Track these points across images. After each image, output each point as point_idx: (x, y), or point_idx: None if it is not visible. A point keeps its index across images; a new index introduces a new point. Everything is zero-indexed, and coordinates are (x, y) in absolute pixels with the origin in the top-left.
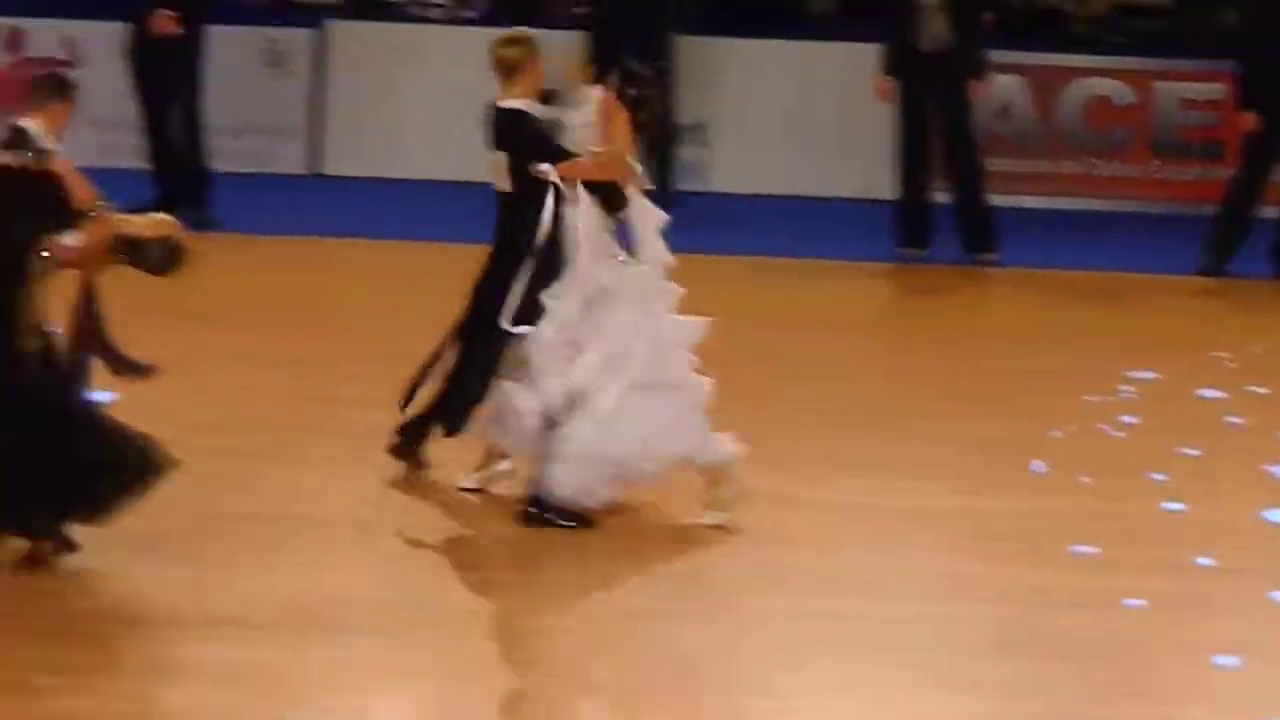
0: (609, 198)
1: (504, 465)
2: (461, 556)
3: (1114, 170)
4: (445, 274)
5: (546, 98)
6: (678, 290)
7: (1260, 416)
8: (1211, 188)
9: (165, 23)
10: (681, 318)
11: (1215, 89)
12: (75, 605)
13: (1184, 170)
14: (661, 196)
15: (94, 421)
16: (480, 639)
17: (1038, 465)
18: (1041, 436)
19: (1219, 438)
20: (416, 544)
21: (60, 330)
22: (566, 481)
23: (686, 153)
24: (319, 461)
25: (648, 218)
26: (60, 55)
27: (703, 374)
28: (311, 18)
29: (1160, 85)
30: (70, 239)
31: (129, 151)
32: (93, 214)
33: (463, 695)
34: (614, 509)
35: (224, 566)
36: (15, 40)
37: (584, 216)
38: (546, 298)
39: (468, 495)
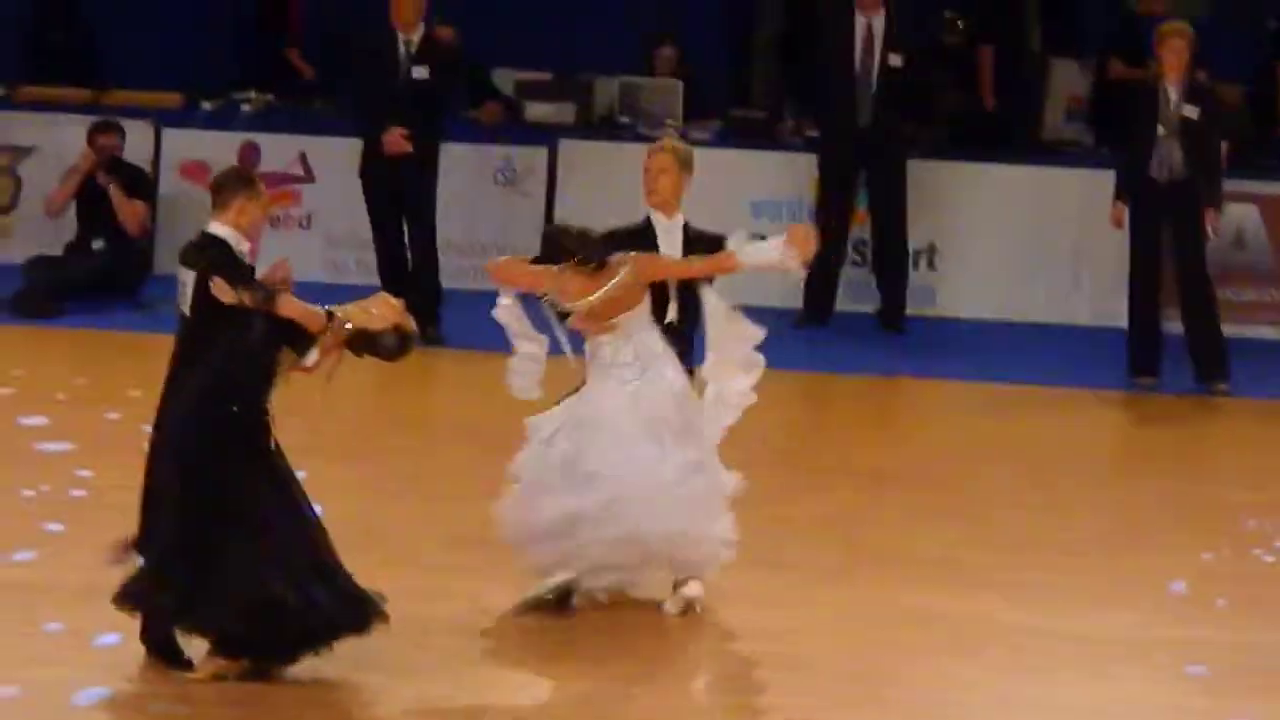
0: None
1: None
2: None
3: None
4: None
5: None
6: None
7: None
8: None
9: (399, 141)
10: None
11: None
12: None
13: None
14: (890, 321)
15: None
16: None
17: (1264, 597)
18: (1270, 570)
19: None
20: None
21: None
22: None
23: (915, 276)
24: None
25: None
26: (295, 170)
27: (932, 499)
28: (545, 136)
29: None
30: (309, 358)
31: (361, 268)
32: (325, 333)
33: None
34: None
35: None
36: (250, 154)
37: None
38: None
39: None
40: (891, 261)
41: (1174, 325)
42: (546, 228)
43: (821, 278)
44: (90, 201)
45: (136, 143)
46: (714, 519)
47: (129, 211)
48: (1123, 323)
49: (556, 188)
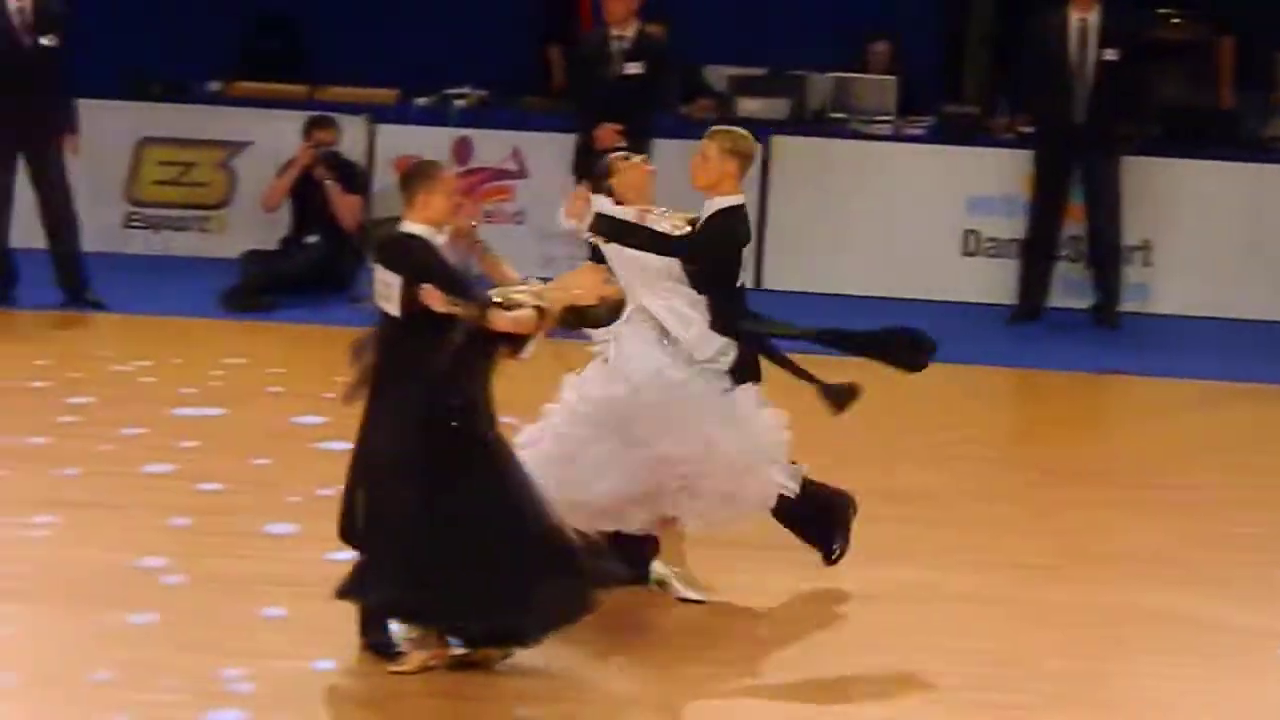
0: None
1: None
2: None
3: None
4: (880, 391)
5: None
6: None
7: None
8: None
9: (610, 135)
10: None
11: None
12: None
13: None
14: (1104, 317)
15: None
16: None
17: None
18: None
19: None
20: None
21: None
22: None
23: (1130, 273)
24: None
25: None
26: (508, 166)
27: (1144, 496)
28: (757, 132)
29: None
30: (525, 353)
31: (573, 263)
32: (538, 330)
33: None
34: None
35: None
36: (463, 150)
37: None
38: None
39: None
40: (1106, 257)
41: None
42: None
43: (1036, 274)
44: (305, 196)
45: (351, 138)
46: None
47: (344, 206)
48: None
49: (768, 184)
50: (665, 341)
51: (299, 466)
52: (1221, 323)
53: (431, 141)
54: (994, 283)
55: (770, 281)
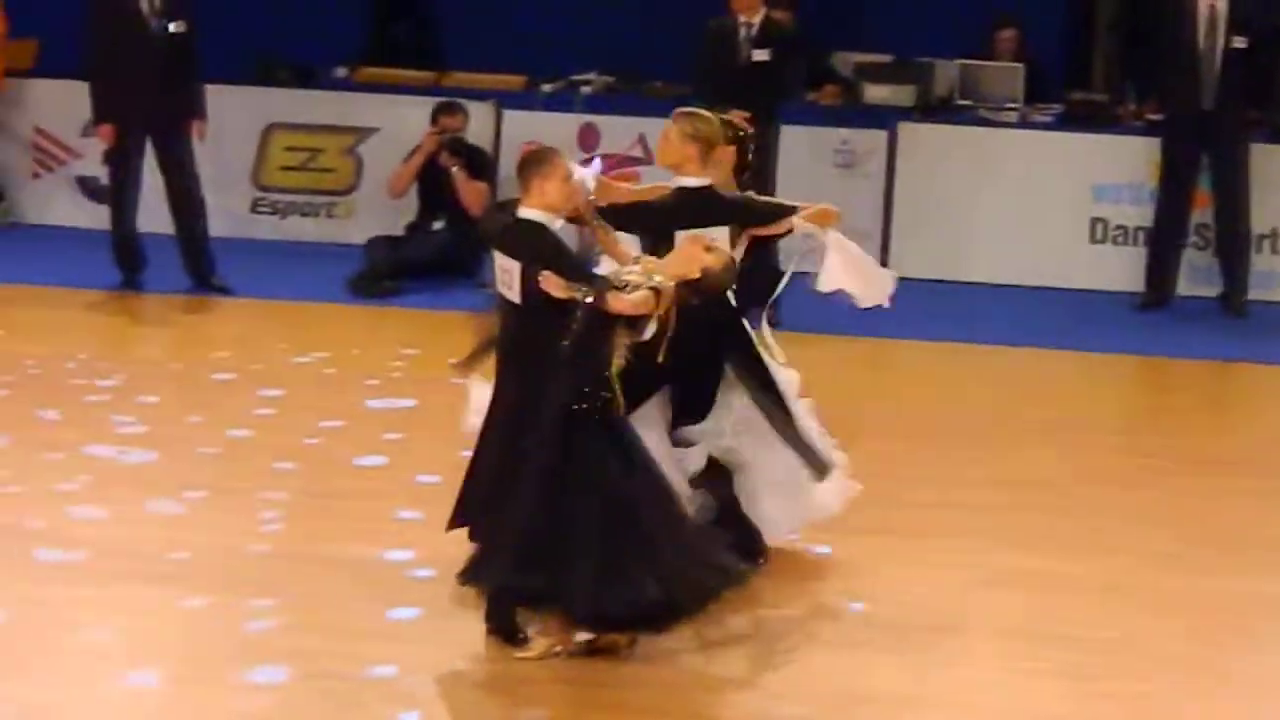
0: None
1: None
2: None
3: None
4: (1009, 378)
5: None
6: None
7: None
8: None
9: (739, 123)
10: None
11: None
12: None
13: None
14: (1231, 305)
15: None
16: None
17: None
18: None
19: None
20: None
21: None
22: None
23: (1258, 261)
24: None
25: None
26: (634, 152)
27: (1270, 485)
28: (884, 119)
29: None
30: (646, 332)
31: None
32: (657, 309)
33: None
34: None
35: None
36: (589, 136)
37: None
38: None
39: None
40: (1233, 246)
41: None
42: None
43: (1163, 261)
44: (432, 182)
45: (478, 124)
46: None
47: (470, 192)
48: None
49: (895, 171)
50: None
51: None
52: None
53: (557, 127)
54: (1121, 270)
55: (896, 268)
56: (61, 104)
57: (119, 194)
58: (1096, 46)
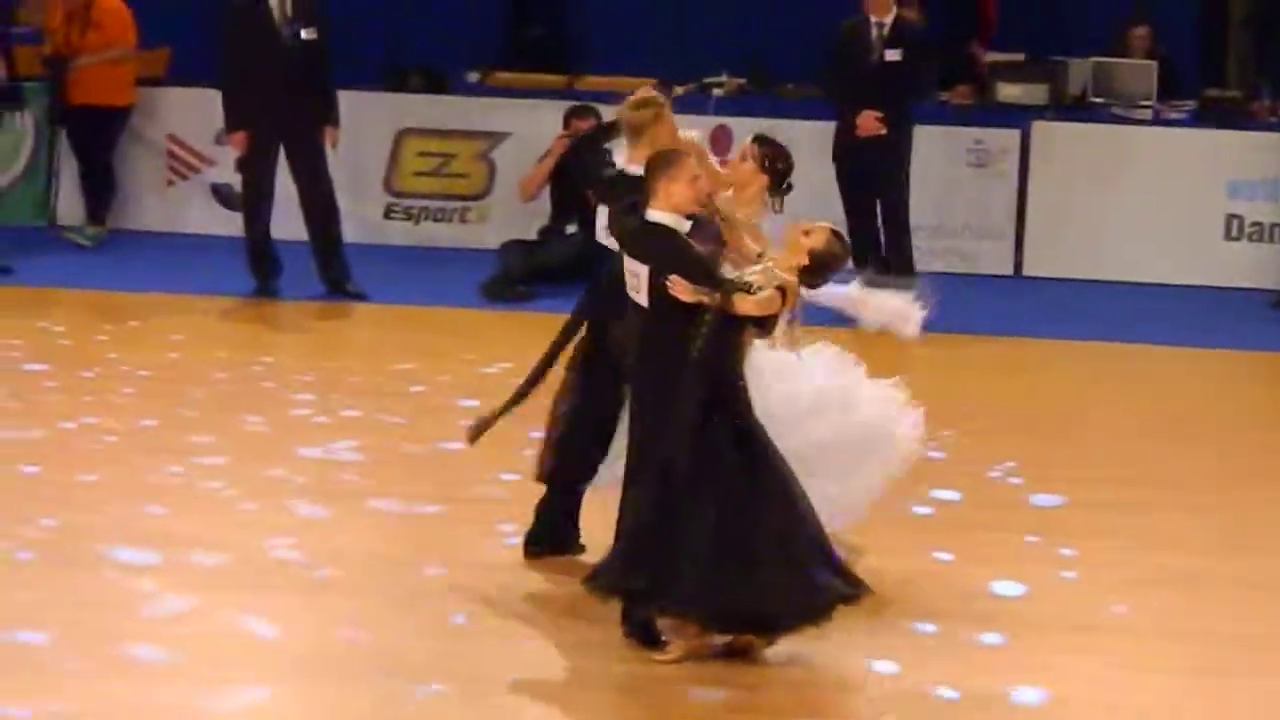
0: None
1: None
2: None
3: None
4: (1146, 376)
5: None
6: None
7: None
8: None
9: (872, 123)
10: None
11: None
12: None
13: None
14: None
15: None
16: None
17: None
18: None
19: None
20: None
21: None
22: None
23: None
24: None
25: None
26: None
27: None
28: (1017, 118)
29: None
30: (776, 332)
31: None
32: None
33: None
34: None
35: None
36: (722, 138)
37: None
38: None
39: None
40: None
41: None
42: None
43: None
44: (563, 186)
45: None
46: None
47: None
48: None
49: (1029, 170)
50: None
51: None
52: None
53: (690, 130)
54: (1257, 267)
55: (1031, 268)
56: (194, 112)
57: (252, 201)
58: (1230, 43)
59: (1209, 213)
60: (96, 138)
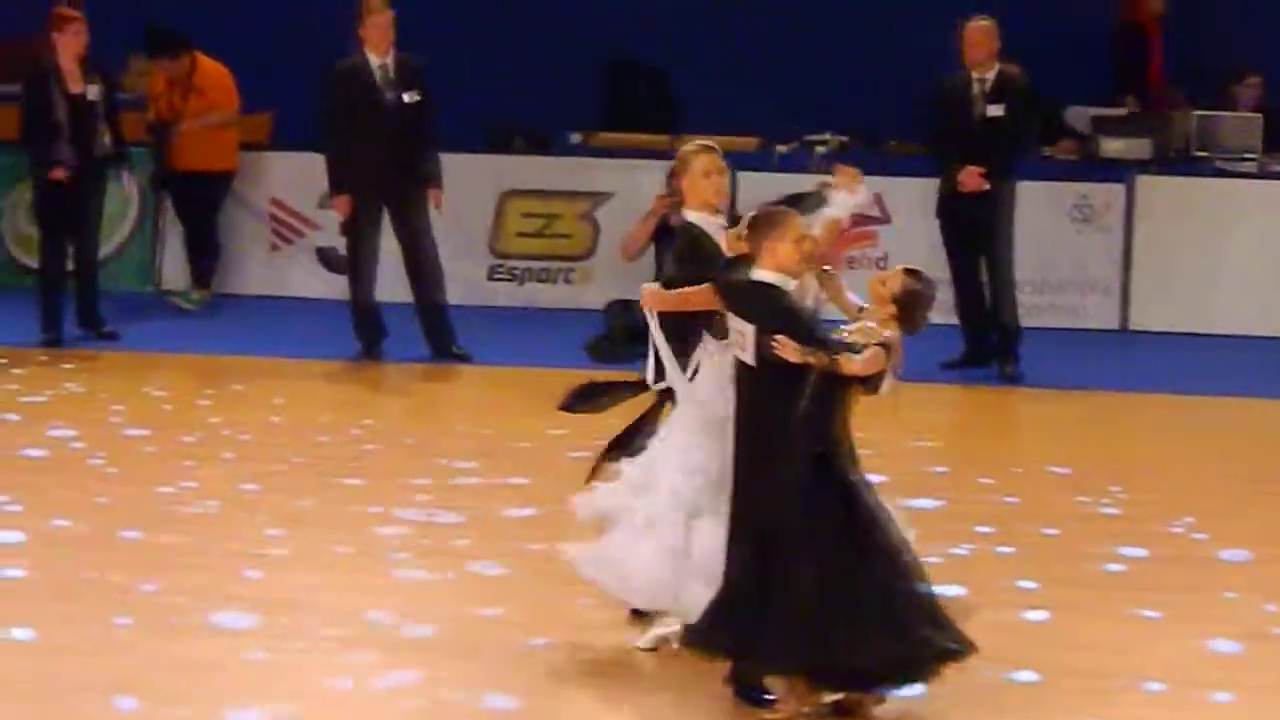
0: None
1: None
2: None
3: None
4: (1253, 428)
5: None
6: None
7: None
8: None
9: (975, 178)
10: None
11: None
12: None
13: None
14: None
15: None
16: None
17: None
18: None
19: None
20: None
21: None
22: None
23: None
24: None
25: None
26: (871, 211)
27: None
28: (1121, 172)
29: None
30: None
31: (940, 308)
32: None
33: None
34: None
35: None
36: None
37: None
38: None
39: None
40: None
41: None
42: None
43: None
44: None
45: None
46: None
47: None
48: None
49: (1133, 223)
50: None
51: None
52: None
53: (793, 188)
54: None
55: (1137, 322)
56: (298, 176)
57: (357, 264)
58: None
59: None
60: (200, 203)
